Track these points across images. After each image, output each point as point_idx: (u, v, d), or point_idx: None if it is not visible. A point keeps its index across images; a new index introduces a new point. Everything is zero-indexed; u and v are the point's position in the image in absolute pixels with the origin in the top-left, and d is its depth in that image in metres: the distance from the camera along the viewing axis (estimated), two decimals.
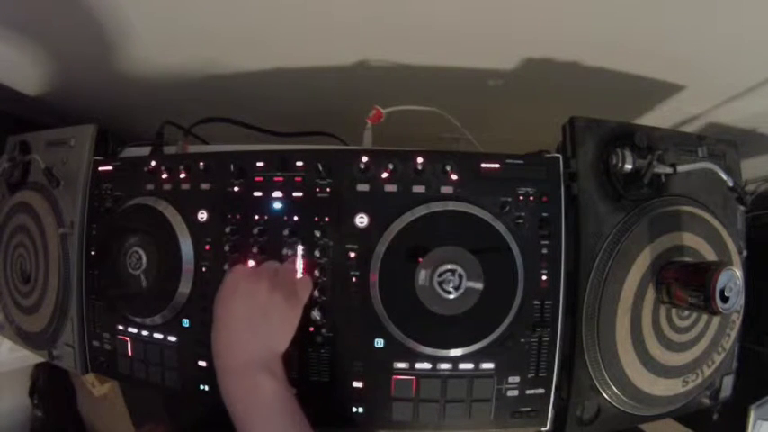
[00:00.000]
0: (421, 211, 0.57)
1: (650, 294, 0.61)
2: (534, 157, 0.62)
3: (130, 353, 0.67)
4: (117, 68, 0.77)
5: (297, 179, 0.61)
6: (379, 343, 0.59)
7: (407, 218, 0.57)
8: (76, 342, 0.70)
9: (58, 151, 0.74)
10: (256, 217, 0.61)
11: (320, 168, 0.59)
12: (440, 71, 0.75)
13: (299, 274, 0.57)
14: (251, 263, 0.59)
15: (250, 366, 0.50)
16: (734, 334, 0.68)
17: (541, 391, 0.60)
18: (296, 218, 0.60)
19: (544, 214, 0.59)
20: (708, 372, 0.66)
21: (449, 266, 0.54)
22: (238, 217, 0.62)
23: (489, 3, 0.58)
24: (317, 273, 0.59)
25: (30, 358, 0.96)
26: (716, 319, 0.65)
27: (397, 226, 0.57)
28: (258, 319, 0.52)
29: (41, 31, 0.68)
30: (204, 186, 0.64)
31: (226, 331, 0.52)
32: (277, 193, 0.61)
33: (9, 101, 0.85)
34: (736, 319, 0.68)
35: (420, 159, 0.59)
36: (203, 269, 0.62)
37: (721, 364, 0.68)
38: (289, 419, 0.48)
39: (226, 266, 0.61)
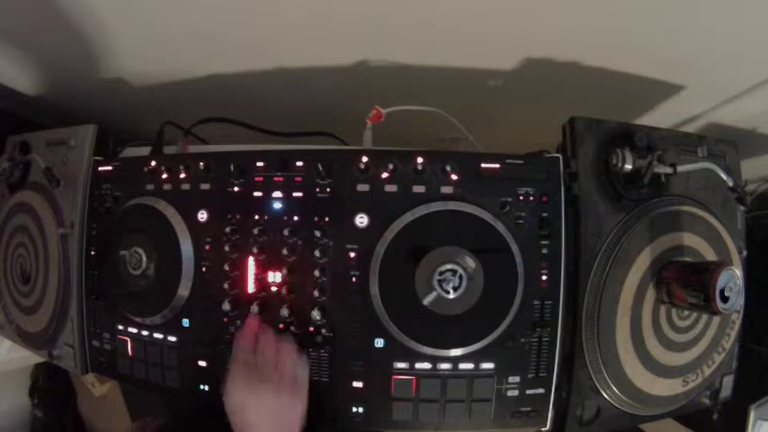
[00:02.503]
0: (421, 210, 0.57)
1: (650, 294, 0.61)
2: (534, 157, 0.62)
3: (130, 353, 0.67)
4: (117, 69, 0.78)
5: (297, 179, 0.61)
6: (379, 343, 0.59)
7: (407, 218, 0.57)
8: (76, 342, 0.70)
9: (58, 151, 0.74)
10: (256, 217, 0.61)
11: (320, 168, 0.59)
12: (440, 71, 0.75)
13: (294, 359, 0.57)
14: (251, 326, 0.59)
15: None
16: (734, 334, 0.68)
17: (541, 391, 0.60)
18: (296, 218, 0.60)
19: (544, 214, 0.59)
20: (708, 372, 0.66)
21: (449, 266, 0.54)
22: (238, 217, 0.62)
23: (489, 3, 0.58)
24: (317, 273, 0.59)
25: (30, 358, 0.96)
26: (716, 319, 0.65)
27: (397, 226, 0.57)
28: (269, 423, 0.53)
29: (41, 33, 0.67)
30: (204, 186, 0.64)
31: (236, 415, 0.53)
32: (277, 193, 0.61)
33: (9, 101, 0.85)
34: (736, 319, 0.68)
35: (420, 159, 0.59)
36: (203, 269, 0.62)
37: (721, 364, 0.68)
38: None
39: (226, 267, 0.61)
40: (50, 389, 1.18)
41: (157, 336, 0.65)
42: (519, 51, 0.70)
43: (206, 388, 0.63)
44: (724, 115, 0.82)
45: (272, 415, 0.53)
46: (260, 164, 0.62)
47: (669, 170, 0.60)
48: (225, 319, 0.62)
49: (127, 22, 0.65)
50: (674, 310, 0.62)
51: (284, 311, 0.59)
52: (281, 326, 0.60)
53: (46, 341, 0.74)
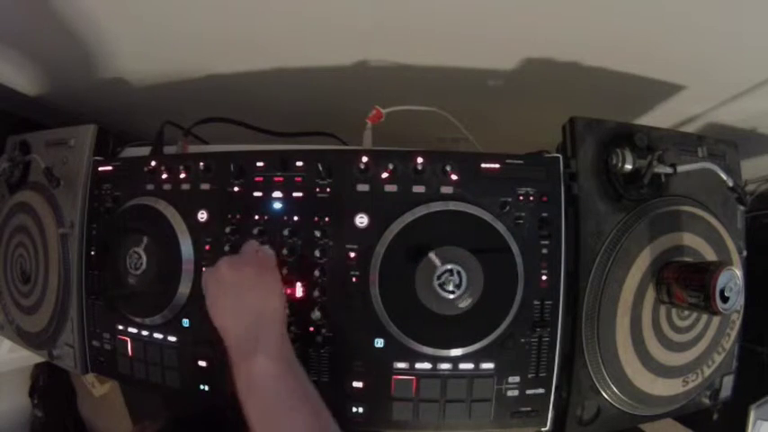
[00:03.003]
0: (421, 211, 0.57)
1: (650, 294, 0.61)
2: (534, 157, 0.62)
3: (130, 353, 0.67)
4: (117, 69, 0.78)
5: (297, 179, 0.61)
6: (379, 343, 0.59)
7: (407, 218, 0.57)
8: (76, 342, 0.70)
9: (58, 151, 0.74)
10: (256, 217, 0.61)
11: (320, 168, 0.59)
12: (440, 71, 0.75)
13: (255, 245, 0.57)
14: None
15: (240, 351, 0.49)
16: (734, 334, 0.68)
17: (541, 391, 0.60)
18: (296, 218, 0.60)
19: (544, 214, 0.59)
20: (708, 372, 0.66)
21: (449, 266, 0.54)
22: (238, 217, 0.62)
23: (489, 3, 0.58)
24: (317, 273, 0.59)
25: (30, 358, 0.96)
26: (716, 319, 0.65)
27: (397, 226, 0.57)
28: (232, 299, 0.51)
29: (40, 34, 0.67)
30: (204, 186, 0.64)
31: (217, 324, 0.52)
32: (277, 193, 0.61)
33: (9, 101, 0.85)
34: (736, 319, 0.68)
35: (420, 159, 0.59)
36: (203, 269, 0.62)
37: (721, 364, 0.68)
38: (284, 399, 0.46)
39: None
40: (50, 389, 1.18)
41: (157, 336, 0.65)
42: (519, 51, 0.70)
43: (206, 388, 0.63)
44: (724, 115, 0.82)
45: (227, 293, 0.51)
46: (260, 164, 0.62)
47: (669, 170, 0.60)
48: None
49: (126, 22, 0.65)
50: (674, 310, 0.62)
51: None
52: None
53: (46, 341, 0.74)
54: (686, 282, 0.57)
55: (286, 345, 0.50)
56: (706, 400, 0.69)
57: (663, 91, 0.77)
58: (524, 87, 0.79)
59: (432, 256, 0.54)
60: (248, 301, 0.51)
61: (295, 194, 0.61)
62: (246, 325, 0.50)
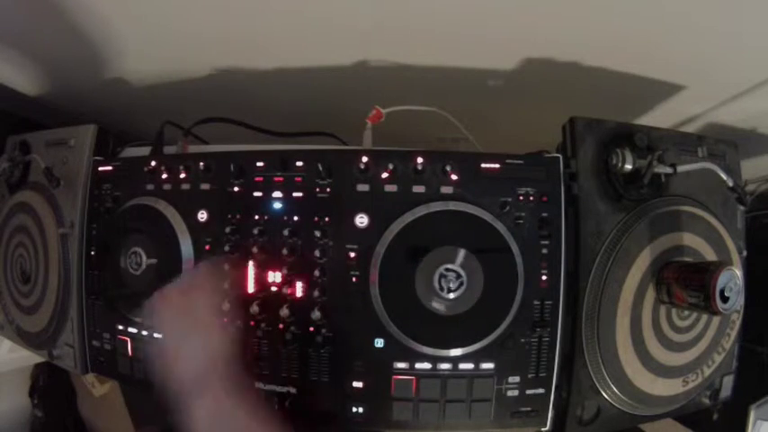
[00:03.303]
0: (421, 211, 0.57)
1: (650, 294, 0.61)
2: (534, 157, 0.62)
3: (130, 353, 0.67)
4: (117, 69, 0.78)
5: (297, 179, 0.61)
6: (379, 343, 0.59)
7: (407, 218, 0.57)
8: (76, 342, 0.70)
9: (58, 151, 0.74)
10: (256, 217, 0.61)
11: (320, 168, 0.59)
12: (440, 71, 0.75)
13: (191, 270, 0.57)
14: None
15: (183, 396, 0.47)
16: (734, 334, 0.68)
17: (541, 391, 0.60)
18: (296, 218, 0.60)
19: (544, 214, 0.59)
20: (708, 372, 0.66)
21: (449, 266, 0.54)
22: (238, 217, 0.62)
23: (489, 3, 0.58)
24: (317, 273, 0.59)
25: (30, 358, 0.96)
26: (716, 319, 0.65)
27: (397, 226, 0.57)
28: (167, 346, 0.51)
29: (41, 33, 0.68)
30: (204, 186, 0.64)
31: (166, 372, 0.50)
32: (277, 193, 0.61)
33: (9, 101, 0.85)
34: (736, 319, 0.68)
35: (420, 159, 0.58)
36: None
37: (721, 364, 0.68)
38: None
39: (226, 267, 0.61)
40: (50, 389, 1.18)
41: (157, 336, 0.65)
42: (519, 51, 0.70)
43: None
44: (724, 115, 0.82)
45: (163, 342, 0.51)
46: (260, 164, 0.62)
47: (669, 170, 0.60)
48: (224, 320, 0.61)
49: (127, 21, 0.65)
50: (674, 310, 0.62)
51: (284, 311, 0.58)
52: (280, 326, 0.60)
53: (46, 341, 0.74)
54: (686, 282, 0.57)
55: (230, 382, 0.48)
56: (706, 400, 0.69)
57: (663, 91, 0.77)
58: (524, 87, 0.79)
59: (461, 250, 0.54)
60: (180, 345, 0.50)
61: (295, 194, 0.61)
62: (183, 367, 0.49)
